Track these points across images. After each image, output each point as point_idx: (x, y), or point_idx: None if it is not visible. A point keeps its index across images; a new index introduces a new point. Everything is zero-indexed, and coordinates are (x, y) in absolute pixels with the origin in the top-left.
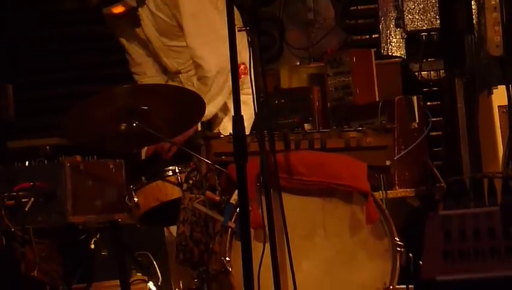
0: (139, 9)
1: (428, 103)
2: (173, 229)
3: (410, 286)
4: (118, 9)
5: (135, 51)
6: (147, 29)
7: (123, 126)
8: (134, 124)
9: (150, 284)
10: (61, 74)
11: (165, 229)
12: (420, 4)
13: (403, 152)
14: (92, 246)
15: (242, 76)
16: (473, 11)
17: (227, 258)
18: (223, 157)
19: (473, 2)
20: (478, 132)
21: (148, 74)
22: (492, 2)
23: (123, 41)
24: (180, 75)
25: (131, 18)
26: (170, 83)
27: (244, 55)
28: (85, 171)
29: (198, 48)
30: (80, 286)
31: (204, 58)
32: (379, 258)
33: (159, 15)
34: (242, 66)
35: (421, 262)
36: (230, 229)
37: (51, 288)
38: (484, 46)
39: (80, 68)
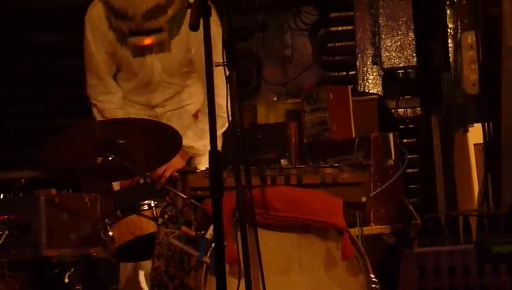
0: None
1: (405, 140)
2: (148, 263)
3: None
4: (149, 40)
5: (110, 80)
6: (156, 60)
7: (99, 160)
8: (110, 158)
9: None
10: (38, 106)
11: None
12: (397, 42)
13: (378, 189)
14: (66, 280)
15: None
16: (450, 49)
17: None
18: (199, 192)
19: (449, 40)
20: (454, 170)
21: (116, 105)
22: (469, 41)
23: (104, 66)
24: (156, 109)
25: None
26: (142, 115)
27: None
28: (60, 205)
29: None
30: None
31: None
32: None
33: (176, 53)
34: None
35: None
36: (205, 265)
37: None
38: (460, 84)
39: (57, 101)
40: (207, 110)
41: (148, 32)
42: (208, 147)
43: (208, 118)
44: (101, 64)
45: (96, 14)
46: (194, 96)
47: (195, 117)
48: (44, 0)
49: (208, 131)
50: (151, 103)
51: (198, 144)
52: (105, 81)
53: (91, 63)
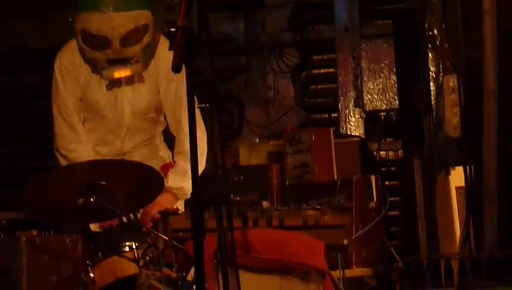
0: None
1: (387, 183)
2: None
3: None
4: (127, 72)
5: (81, 129)
6: (126, 101)
7: (81, 201)
8: (92, 199)
9: None
10: (20, 147)
11: None
12: (379, 84)
13: (360, 232)
14: None
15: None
16: (432, 92)
17: None
18: (180, 233)
19: (431, 83)
20: (435, 213)
21: (88, 155)
22: (451, 84)
23: (75, 113)
24: (126, 156)
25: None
26: None
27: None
28: (41, 246)
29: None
30: None
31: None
32: None
33: (145, 92)
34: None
35: None
36: None
37: None
38: (442, 127)
39: (39, 142)
40: (185, 151)
41: (124, 61)
42: None
43: (186, 160)
44: (72, 111)
45: (68, 57)
46: (163, 151)
47: (163, 171)
48: (27, 42)
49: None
50: (122, 150)
51: (185, 183)
52: (77, 130)
53: (62, 110)
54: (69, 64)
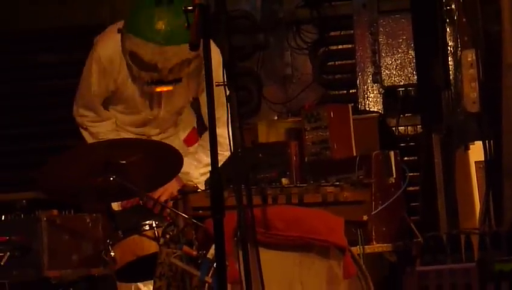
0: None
1: (406, 158)
2: (150, 283)
3: None
4: (168, 88)
5: (103, 111)
6: (162, 102)
7: (100, 180)
8: (111, 179)
9: None
10: (36, 128)
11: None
12: (397, 60)
13: (380, 207)
14: None
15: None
16: (450, 67)
17: None
18: (200, 211)
19: (449, 58)
20: (455, 188)
21: (109, 128)
22: (469, 59)
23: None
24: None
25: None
26: None
27: None
28: (61, 226)
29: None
30: None
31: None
32: None
33: (182, 96)
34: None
35: None
36: (207, 284)
37: None
38: (461, 102)
39: (57, 122)
40: (205, 144)
41: (169, 82)
42: (203, 177)
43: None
44: (98, 100)
45: (108, 54)
46: (186, 126)
47: (187, 143)
48: (41, 22)
49: (204, 164)
50: (148, 134)
51: (194, 171)
52: (99, 112)
53: (87, 97)
54: (108, 62)
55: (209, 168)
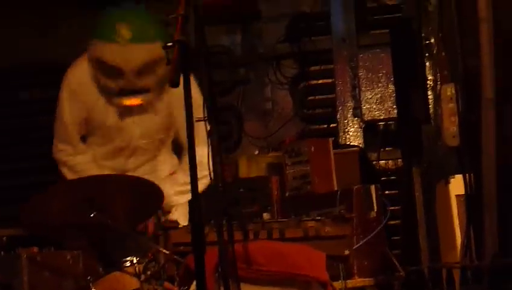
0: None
1: (387, 192)
2: None
3: None
4: (137, 101)
5: (79, 144)
6: (136, 125)
7: (80, 217)
8: (91, 215)
9: None
10: (20, 163)
11: None
12: (377, 94)
13: (361, 242)
14: None
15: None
16: (430, 101)
17: None
18: (181, 247)
19: (429, 92)
20: (436, 221)
21: (86, 160)
22: (448, 93)
23: (75, 133)
24: (129, 173)
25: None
26: None
27: None
28: (42, 263)
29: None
30: None
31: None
32: None
33: (156, 118)
34: None
35: None
36: None
37: None
38: (441, 136)
39: (38, 158)
40: (185, 166)
41: (137, 92)
42: (177, 197)
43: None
44: (73, 131)
45: (77, 77)
46: (165, 163)
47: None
48: (26, 58)
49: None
50: (124, 168)
51: (168, 189)
52: (75, 145)
53: (61, 130)
54: (77, 85)
55: (187, 187)
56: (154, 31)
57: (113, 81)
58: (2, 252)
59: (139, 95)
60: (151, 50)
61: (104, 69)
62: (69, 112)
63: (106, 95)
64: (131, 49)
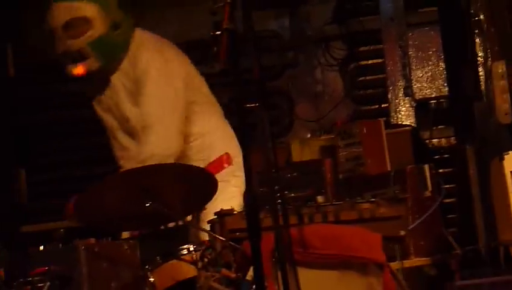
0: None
1: (441, 170)
2: None
3: None
4: (79, 69)
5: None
6: (122, 103)
7: (136, 207)
8: (147, 205)
9: None
10: (74, 155)
11: None
12: (428, 72)
13: (416, 222)
14: None
15: (225, 166)
16: (481, 78)
17: None
18: (237, 233)
19: (480, 68)
20: (491, 199)
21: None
22: (500, 70)
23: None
24: None
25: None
26: None
27: (228, 143)
28: (100, 254)
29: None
30: None
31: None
32: None
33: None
34: (224, 156)
35: None
36: None
37: None
38: (493, 113)
39: (92, 149)
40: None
41: (77, 58)
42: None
43: None
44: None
45: None
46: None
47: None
48: None
49: None
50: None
51: None
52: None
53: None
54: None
55: None
56: None
57: (56, 45)
58: (60, 245)
59: (78, 62)
60: (74, 8)
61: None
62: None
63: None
64: (57, 7)
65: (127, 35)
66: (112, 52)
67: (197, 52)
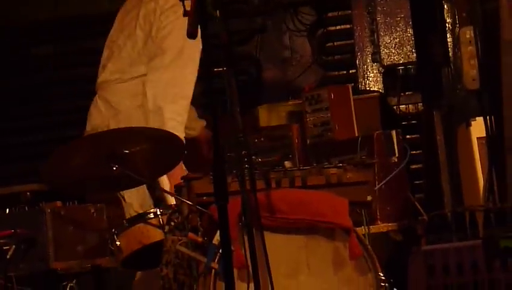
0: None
1: (408, 136)
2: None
3: None
4: None
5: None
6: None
7: (102, 170)
8: (114, 168)
9: None
10: (40, 119)
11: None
12: (396, 38)
13: (380, 184)
14: None
15: None
16: (449, 44)
17: None
18: (204, 198)
19: (448, 35)
20: (458, 165)
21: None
22: (467, 36)
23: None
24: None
25: None
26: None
27: None
28: (66, 217)
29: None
30: None
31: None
32: None
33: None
34: None
35: None
36: (213, 270)
37: None
38: (461, 79)
39: (59, 113)
40: None
41: None
42: None
43: None
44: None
45: None
46: None
47: None
48: (41, 13)
49: None
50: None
51: None
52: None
53: None
54: None
55: None
56: None
57: None
58: (26, 207)
59: None
60: None
61: None
62: None
63: None
64: None
65: None
66: None
67: None
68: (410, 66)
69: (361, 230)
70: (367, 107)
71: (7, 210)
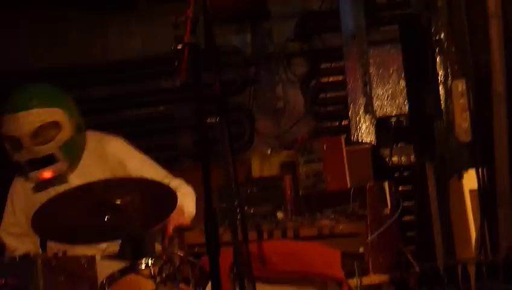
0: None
1: (400, 188)
2: None
3: None
4: (48, 173)
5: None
6: None
7: (94, 221)
8: (106, 219)
9: None
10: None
11: None
12: (388, 90)
13: (373, 235)
14: None
15: None
16: (441, 96)
17: None
18: (196, 248)
19: (440, 87)
20: (450, 217)
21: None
22: (459, 89)
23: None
24: None
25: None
26: None
27: None
28: (57, 267)
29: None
30: None
31: None
32: None
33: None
34: None
35: None
36: None
37: None
38: (453, 131)
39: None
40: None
41: (45, 162)
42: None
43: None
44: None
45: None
46: None
47: None
48: (90, 57)
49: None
50: None
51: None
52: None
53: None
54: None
55: None
56: (47, 99)
57: (19, 153)
58: (17, 258)
59: (48, 166)
60: (40, 115)
61: (9, 144)
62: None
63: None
64: (20, 117)
65: (84, 136)
66: (77, 154)
67: (160, 66)
68: (402, 118)
69: (353, 282)
70: (359, 158)
71: None
